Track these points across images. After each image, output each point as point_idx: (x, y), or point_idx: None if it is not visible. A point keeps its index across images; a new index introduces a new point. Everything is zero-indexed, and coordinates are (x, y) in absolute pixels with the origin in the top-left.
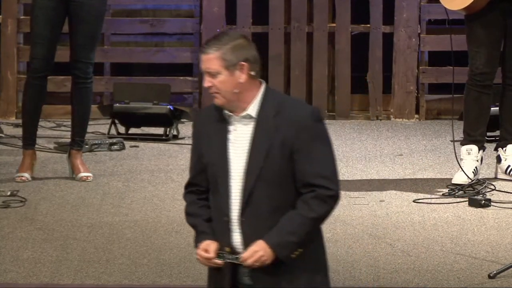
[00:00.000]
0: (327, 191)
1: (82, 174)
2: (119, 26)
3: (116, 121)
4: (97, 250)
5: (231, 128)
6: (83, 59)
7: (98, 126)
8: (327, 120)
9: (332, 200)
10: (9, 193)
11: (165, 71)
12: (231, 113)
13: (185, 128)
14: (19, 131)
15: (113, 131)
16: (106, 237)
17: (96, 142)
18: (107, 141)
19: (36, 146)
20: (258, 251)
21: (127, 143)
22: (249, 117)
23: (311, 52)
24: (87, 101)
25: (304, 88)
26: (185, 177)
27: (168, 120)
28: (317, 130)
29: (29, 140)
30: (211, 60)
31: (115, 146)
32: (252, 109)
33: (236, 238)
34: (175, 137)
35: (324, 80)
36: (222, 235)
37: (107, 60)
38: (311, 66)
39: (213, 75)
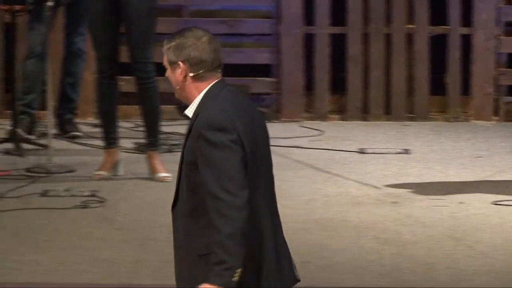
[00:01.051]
0: (217, 203)
1: (161, 174)
2: None
3: None
4: None
5: None
6: (140, 59)
7: (177, 127)
8: (406, 122)
9: (226, 209)
10: (88, 194)
11: (242, 72)
12: None
13: None
14: (97, 131)
15: None
16: None
17: (175, 142)
18: None
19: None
20: None
21: None
22: (188, 117)
23: (389, 53)
24: (153, 101)
25: (383, 89)
26: None
27: None
28: (209, 140)
29: (107, 140)
30: (163, 53)
31: None
32: (190, 110)
33: None
34: None
35: (402, 82)
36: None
37: None
38: (389, 67)
39: (166, 68)
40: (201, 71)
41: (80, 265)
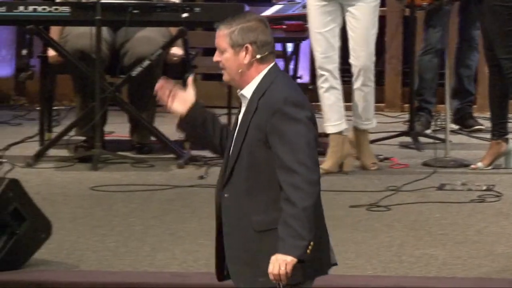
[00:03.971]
0: (293, 176)
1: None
2: None
3: None
4: None
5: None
6: (500, 55)
7: None
8: None
9: (302, 182)
10: (485, 188)
11: None
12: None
13: None
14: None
15: None
16: None
17: None
18: None
19: None
20: (274, 264)
21: None
22: (243, 96)
23: None
24: None
25: None
26: None
27: None
28: (287, 114)
29: (494, 131)
30: (220, 37)
31: None
32: (247, 90)
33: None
34: None
35: None
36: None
37: None
38: None
39: (221, 51)
40: (267, 53)
41: (475, 260)
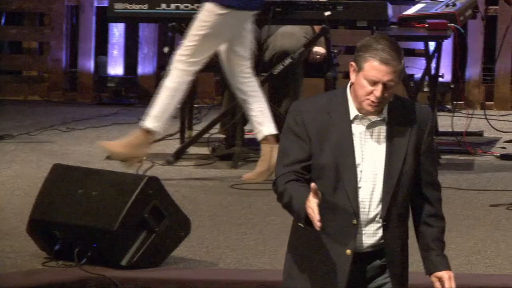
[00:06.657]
0: (440, 191)
1: None
2: None
3: None
4: None
5: (359, 130)
6: None
7: None
8: None
9: None
10: None
11: None
12: (363, 116)
13: None
14: None
15: None
16: None
17: None
18: None
19: None
20: (451, 281)
21: None
22: (382, 119)
23: None
24: None
25: None
26: None
27: None
28: (433, 129)
29: None
30: (396, 73)
31: None
32: (383, 113)
33: (367, 240)
34: None
35: None
36: (344, 238)
37: None
38: None
39: (390, 86)
40: None
41: None
